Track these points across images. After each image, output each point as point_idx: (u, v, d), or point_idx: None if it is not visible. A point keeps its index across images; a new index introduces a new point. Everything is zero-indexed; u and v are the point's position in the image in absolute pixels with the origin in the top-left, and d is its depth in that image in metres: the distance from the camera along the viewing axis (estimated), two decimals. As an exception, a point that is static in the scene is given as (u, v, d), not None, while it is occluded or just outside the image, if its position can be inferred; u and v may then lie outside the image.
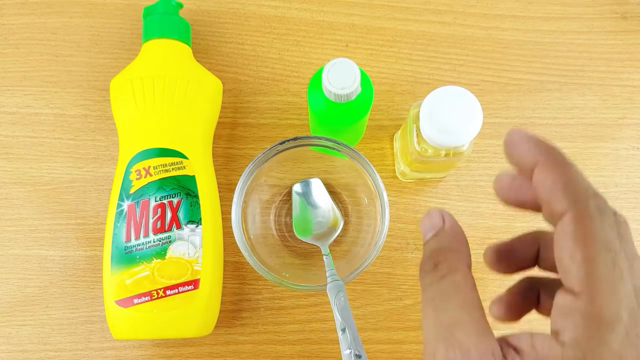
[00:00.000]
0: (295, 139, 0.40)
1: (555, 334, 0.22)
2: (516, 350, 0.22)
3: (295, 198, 0.45)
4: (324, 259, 0.41)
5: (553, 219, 0.23)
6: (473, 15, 0.50)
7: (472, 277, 0.24)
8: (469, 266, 0.25)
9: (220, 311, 0.44)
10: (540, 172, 0.24)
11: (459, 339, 0.22)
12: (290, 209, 0.46)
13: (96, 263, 0.46)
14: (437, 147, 0.38)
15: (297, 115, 0.48)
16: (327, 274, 0.39)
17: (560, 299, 0.23)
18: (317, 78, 0.39)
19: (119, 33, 0.49)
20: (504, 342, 0.23)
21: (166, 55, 0.44)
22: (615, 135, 0.48)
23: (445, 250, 0.25)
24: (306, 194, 0.45)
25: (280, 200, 0.46)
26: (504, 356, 0.22)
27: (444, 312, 0.23)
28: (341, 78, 0.37)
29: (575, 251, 0.22)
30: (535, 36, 0.50)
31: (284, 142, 0.40)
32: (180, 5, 0.46)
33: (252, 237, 0.42)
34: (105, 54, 0.49)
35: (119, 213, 0.41)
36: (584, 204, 0.22)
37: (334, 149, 0.40)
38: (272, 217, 0.46)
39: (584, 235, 0.22)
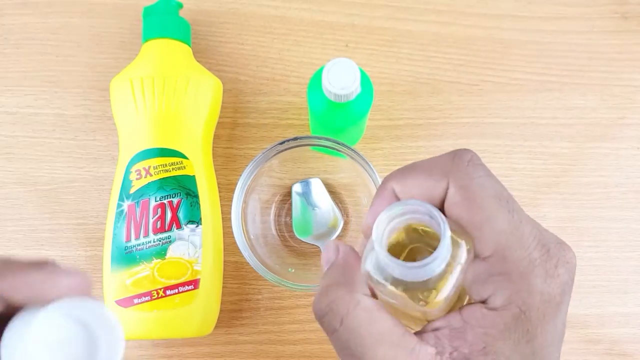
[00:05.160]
0: (295, 139, 0.40)
1: (483, 302, 0.23)
2: (453, 332, 0.22)
3: (295, 198, 0.45)
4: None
5: (440, 197, 0.23)
6: (473, 15, 0.50)
7: (372, 300, 0.23)
8: (365, 291, 0.24)
9: (220, 311, 0.44)
10: (399, 187, 0.25)
11: None
12: (290, 209, 0.46)
13: (96, 263, 0.45)
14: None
15: (297, 115, 0.48)
16: None
17: (475, 267, 0.23)
18: (317, 78, 0.39)
19: (119, 33, 0.49)
20: (436, 336, 0.23)
21: (166, 55, 0.44)
22: (615, 135, 0.48)
23: (335, 287, 0.24)
24: (306, 194, 0.45)
25: (280, 200, 0.46)
26: (439, 354, 0.22)
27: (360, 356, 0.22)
28: (341, 78, 0.37)
29: (472, 217, 0.22)
30: (536, 36, 0.50)
31: (284, 142, 0.40)
32: (180, 5, 0.46)
33: (252, 237, 0.42)
34: (105, 54, 0.49)
35: (119, 213, 0.41)
36: (456, 169, 0.23)
37: (334, 149, 0.40)
38: (272, 217, 0.46)
39: (470, 199, 0.22)
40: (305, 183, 0.45)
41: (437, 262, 0.21)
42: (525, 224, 0.22)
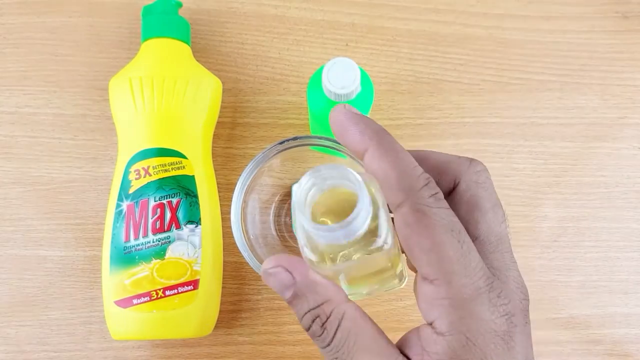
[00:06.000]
0: (295, 138, 0.39)
1: (431, 325, 0.23)
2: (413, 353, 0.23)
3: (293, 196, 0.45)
4: None
5: (392, 207, 0.23)
6: (474, 14, 0.50)
7: (354, 307, 0.24)
8: (344, 299, 0.24)
9: (220, 311, 0.44)
10: (371, 160, 0.24)
11: None
12: (290, 209, 0.46)
13: (95, 263, 0.45)
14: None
15: (297, 114, 0.48)
16: None
17: (423, 289, 0.23)
18: (317, 77, 0.39)
19: (118, 32, 0.49)
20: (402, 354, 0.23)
21: (165, 55, 0.44)
22: (616, 135, 0.48)
23: (315, 307, 0.24)
24: None
25: (280, 200, 0.46)
26: None
27: None
28: (341, 77, 0.36)
29: (421, 240, 0.22)
30: (536, 35, 0.49)
31: (283, 141, 0.39)
32: (180, 5, 0.46)
33: (251, 237, 0.42)
34: (104, 54, 0.49)
35: (118, 213, 0.41)
36: (418, 194, 0.22)
37: (334, 149, 0.40)
38: (271, 217, 0.46)
39: (425, 224, 0.22)
40: None
41: (359, 218, 0.21)
42: (473, 255, 0.23)
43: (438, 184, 0.24)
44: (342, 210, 0.23)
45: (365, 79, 0.39)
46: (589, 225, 0.47)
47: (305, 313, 0.24)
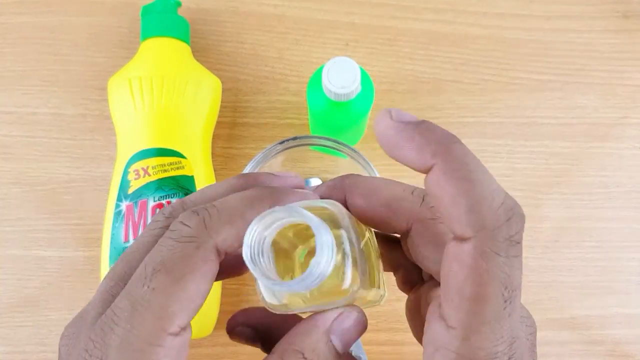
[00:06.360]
0: (295, 138, 0.39)
1: None
2: None
3: None
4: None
5: (450, 233, 0.19)
6: (474, 13, 0.50)
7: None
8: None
9: (220, 312, 0.44)
10: (435, 183, 0.19)
11: None
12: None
13: (94, 263, 0.45)
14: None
15: (296, 114, 0.48)
16: None
17: (435, 326, 0.20)
18: (317, 77, 0.39)
19: (117, 32, 0.49)
20: None
21: (165, 54, 0.44)
22: (617, 135, 0.48)
23: None
24: None
25: (280, 201, 0.46)
26: None
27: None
28: (341, 77, 0.36)
29: (466, 286, 0.18)
30: (537, 35, 0.49)
31: (283, 141, 0.39)
32: (179, 4, 0.46)
33: (251, 237, 0.42)
34: (103, 53, 0.49)
35: (117, 213, 0.41)
36: (492, 234, 0.18)
37: (334, 148, 0.40)
38: (271, 217, 0.46)
39: (481, 272, 0.18)
40: (305, 183, 0.45)
41: (321, 265, 0.19)
42: (507, 323, 0.19)
43: (389, 223, 0.22)
44: (309, 235, 0.21)
45: (365, 78, 0.39)
46: (589, 226, 0.46)
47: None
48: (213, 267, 0.20)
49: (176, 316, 0.19)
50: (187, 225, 0.20)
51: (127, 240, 0.40)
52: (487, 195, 0.18)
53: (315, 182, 0.45)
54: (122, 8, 0.49)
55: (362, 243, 0.21)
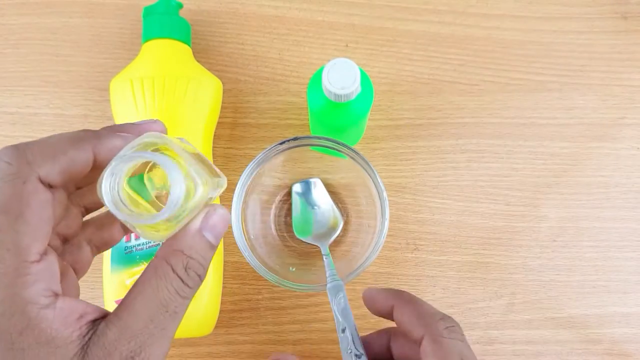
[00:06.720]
0: (295, 139, 0.40)
1: None
2: None
3: (295, 198, 0.45)
4: (324, 259, 0.41)
5: (416, 344, 0.29)
6: (473, 15, 0.50)
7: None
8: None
9: (220, 311, 0.44)
10: (397, 311, 0.31)
11: None
12: (290, 209, 0.46)
13: (96, 263, 0.45)
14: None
15: (297, 115, 0.48)
16: (327, 274, 0.39)
17: None
18: (317, 78, 0.39)
19: (119, 33, 0.49)
20: None
21: (166, 55, 0.44)
22: (615, 135, 0.48)
23: None
24: (306, 194, 0.45)
25: (280, 200, 0.46)
26: None
27: None
28: (341, 78, 0.37)
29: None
30: (536, 36, 0.50)
31: (284, 142, 0.40)
32: (180, 5, 0.46)
33: (252, 237, 0.42)
34: (105, 54, 0.49)
35: (119, 213, 0.41)
36: (434, 326, 0.29)
37: (334, 149, 0.40)
38: (272, 217, 0.46)
39: (440, 351, 0.28)
40: (305, 183, 0.45)
41: (175, 194, 0.22)
42: None
43: (407, 337, 0.31)
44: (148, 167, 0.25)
45: (365, 79, 0.39)
46: (588, 225, 0.47)
47: None
48: (46, 194, 0.22)
49: (31, 246, 0.21)
50: (10, 163, 0.22)
51: (129, 239, 0.40)
52: (426, 309, 0.31)
53: (315, 182, 0.45)
54: (124, 10, 0.49)
55: (189, 153, 0.25)
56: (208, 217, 0.24)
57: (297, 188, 0.45)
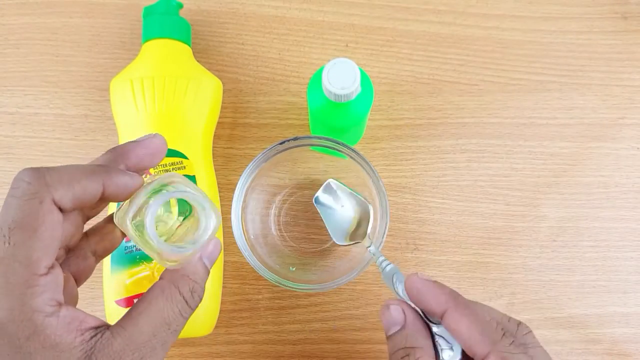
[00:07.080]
0: (295, 139, 0.40)
1: None
2: None
3: (321, 209, 0.43)
4: (369, 250, 0.38)
5: (476, 357, 0.28)
6: (473, 15, 0.50)
7: None
8: (431, 354, 0.29)
9: (220, 311, 0.44)
10: (451, 319, 0.29)
11: None
12: (290, 208, 0.46)
13: (96, 263, 0.45)
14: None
15: (297, 115, 0.48)
16: (377, 263, 0.36)
17: None
18: (317, 78, 0.39)
19: (119, 33, 0.49)
20: None
21: (166, 55, 0.44)
22: (615, 135, 0.48)
23: (411, 347, 0.29)
24: (327, 200, 0.43)
25: (281, 200, 0.46)
26: None
27: None
28: (341, 78, 0.37)
29: None
30: (535, 36, 0.50)
31: (284, 142, 0.40)
32: (181, 5, 0.46)
33: (252, 237, 0.42)
34: (105, 54, 0.49)
35: (119, 213, 0.41)
36: (500, 345, 0.27)
37: (334, 149, 0.40)
38: (272, 217, 0.46)
39: None
40: (325, 189, 0.43)
41: (210, 226, 0.28)
42: None
43: (469, 350, 0.29)
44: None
45: (365, 79, 0.39)
46: (588, 225, 0.47)
47: (400, 348, 0.29)
48: (59, 215, 0.25)
49: (40, 260, 0.23)
50: (30, 183, 0.24)
51: (129, 239, 0.40)
52: (487, 322, 0.28)
53: (332, 183, 0.42)
54: (124, 10, 0.50)
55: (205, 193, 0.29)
56: (206, 245, 0.28)
57: (321, 198, 0.43)
